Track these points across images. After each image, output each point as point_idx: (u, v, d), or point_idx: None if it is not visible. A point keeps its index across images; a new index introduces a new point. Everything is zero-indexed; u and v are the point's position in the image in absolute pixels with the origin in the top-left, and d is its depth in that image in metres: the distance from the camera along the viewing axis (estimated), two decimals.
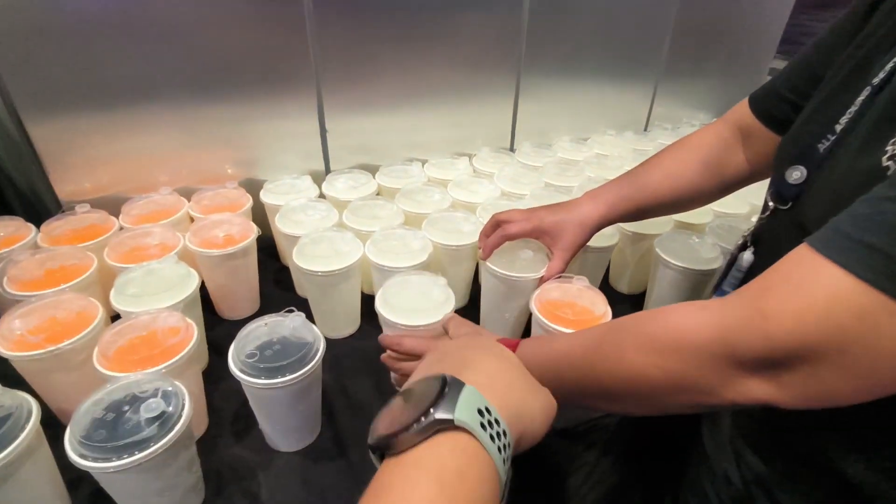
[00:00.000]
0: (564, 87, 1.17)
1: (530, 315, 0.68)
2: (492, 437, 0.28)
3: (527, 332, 0.80)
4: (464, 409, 0.28)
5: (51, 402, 0.59)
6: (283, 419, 0.59)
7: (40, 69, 0.73)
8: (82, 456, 0.44)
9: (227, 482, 0.58)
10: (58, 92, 0.75)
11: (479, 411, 0.29)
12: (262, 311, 0.84)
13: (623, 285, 0.93)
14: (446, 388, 0.30)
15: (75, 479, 0.54)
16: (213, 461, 0.59)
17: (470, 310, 0.85)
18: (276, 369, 0.53)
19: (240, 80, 0.87)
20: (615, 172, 1.05)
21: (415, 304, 0.65)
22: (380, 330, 0.80)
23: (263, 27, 0.84)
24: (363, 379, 0.73)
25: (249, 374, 0.54)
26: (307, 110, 0.93)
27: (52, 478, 0.51)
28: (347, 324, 0.80)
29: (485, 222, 0.82)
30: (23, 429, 0.46)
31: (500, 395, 0.32)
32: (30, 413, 0.47)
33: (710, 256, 0.79)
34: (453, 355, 0.38)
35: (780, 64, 1.63)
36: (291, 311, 0.58)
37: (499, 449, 0.29)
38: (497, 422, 0.30)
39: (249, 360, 0.54)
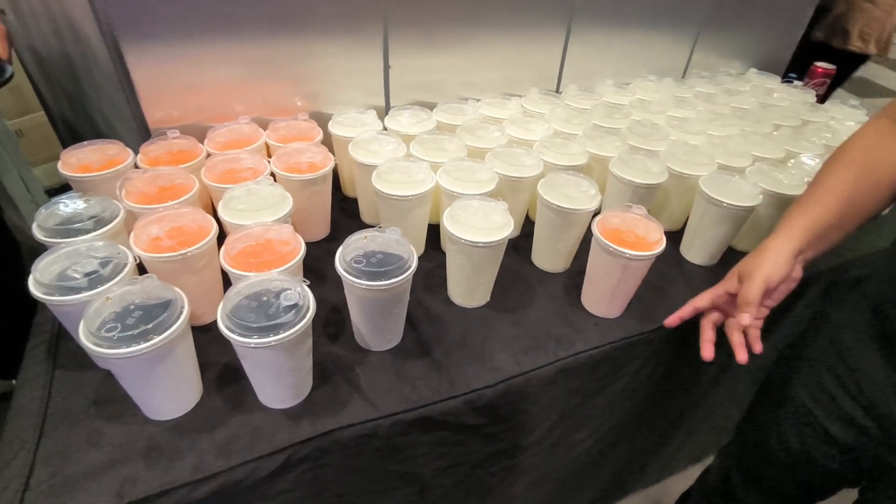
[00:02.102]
0: (611, 32, 1.19)
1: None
2: None
3: (576, 261, 0.88)
4: None
5: None
6: (380, 319, 0.68)
7: (140, 4, 0.77)
8: (234, 332, 0.52)
9: (330, 374, 0.67)
10: (154, 21, 0.80)
11: None
12: (332, 236, 0.92)
13: (662, 221, 0.98)
14: None
15: (206, 366, 0.64)
16: (315, 357, 0.68)
17: (522, 239, 0.92)
18: (380, 274, 0.61)
19: (312, 17, 0.90)
20: (658, 117, 1.11)
21: (478, 224, 0.72)
22: (442, 254, 0.88)
23: None
24: (434, 293, 0.81)
25: (354, 276, 0.61)
26: (373, 47, 0.97)
27: (194, 357, 0.60)
28: (416, 247, 0.87)
29: (542, 157, 0.89)
30: (180, 314, 0.54)
31: None
32: (183, 303, 0.56)
33: (751, 193, 0.85)
34: None
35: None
36: (383, 228, 0.65)
37: None
38: None
39: (356, 265, 0.62)
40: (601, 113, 1.08)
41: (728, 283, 0.71)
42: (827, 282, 0.99)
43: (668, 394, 1.00)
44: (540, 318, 0.79)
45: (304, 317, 0.55)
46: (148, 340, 0.50)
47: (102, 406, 0.60)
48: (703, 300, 0.74)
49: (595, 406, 0.87)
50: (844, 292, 0.81)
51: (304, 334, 0.56)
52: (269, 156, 0.91)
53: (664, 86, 1.26)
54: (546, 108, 1.10)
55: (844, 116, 1.23)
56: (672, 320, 0.76)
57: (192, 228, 0.66)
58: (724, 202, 0.84)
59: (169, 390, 0.58)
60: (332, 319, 0.75)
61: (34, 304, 0.61)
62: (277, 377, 0.59)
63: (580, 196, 0.80)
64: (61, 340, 0.68)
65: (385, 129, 0.97)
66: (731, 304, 0.71)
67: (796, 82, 1.38)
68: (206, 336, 0.66)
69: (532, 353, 0.73)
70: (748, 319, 0.65)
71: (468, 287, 0.78)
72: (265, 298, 0.56)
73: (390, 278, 0.61)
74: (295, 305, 0.55)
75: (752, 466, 0.88)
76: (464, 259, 0.74)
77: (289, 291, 0.55)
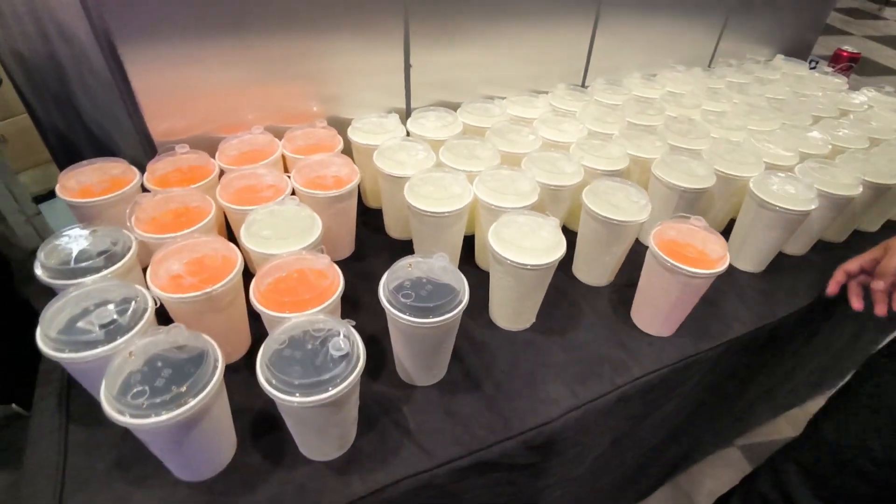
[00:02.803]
0: (638, 21, 1.12)
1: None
2: None
3: (621, 274, 0.82)
4: None
5: None
6: (428, 356, 0.62)
7: (137, 2, 0.69)
8: (278, 388, 0.46)
9: (375, 416, 0.61)
10: (153, 26, 0.71)
11: None
12: (357, 254, 0.85)
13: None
14: None
15: (236, 412, 0.57)
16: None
17: None
18: (430, 309, 0.55)
19: (327, 13, 0.82)
20: (693, 112, 1.05)
21: (526, 242, 0.65)
22: (478, 271, 0.82)
23: None
24: (475, 315, 0.75)
25: (400, 311, 0.55)
26: (393, 44, 0.89)
27: (228, 411, 0.54)
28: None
29: (581, 161, 0.83)
30: (214, 368, 0.48)
31: None
32: (216, 354, 0.49)
33: (807, 197, 0.79)
34: None
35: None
36: (436, 254, 0.59)
37: None
38: None
39: (404, 300, 0.55)
40: (633, 109, 1.02)
41: (876, 252, 0.76)
42: None
43: (710, 406, 0.95)
44: (590, 340, 0.73)
45: (354, 367, 0.49)
46: (182, 405, 0.44)
47: (126, 467, 0.54)
48: (853, 264, 0.78)
49: (645, 427, 0.82)
50: None
51: (354, 387, 0.49)
52: (286, 169, 0.84)
53: (693, 77, 1.20)
54: (575, 105, 1.03)
55: (881, 105, 1.17)
56: (832, 288, 0.79)
57: (214, 261, 0.59)
58: (777, 206, 0.79)
59: (203, 450, 0.51)
60: (370, 352, 0.68)
61: (30, 322, 0.53)
62: (323, 431, 0.53)
63: (629, 206, 0.74)
64: (73, 389, 0.61)
65: (408, 134, 0.90)
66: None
67: (826, 67, 1.32)
68: (233, 377, 0.60)
69: (587, 381, 0.68)
70: (881, 286, 0.72)
71: (515, 310, 0.72)
72: (310, 346, 0.49)
73: (442, 314, 0.55)
74: (346, 355, 0.48)
75: (822, 470, 0.84)
76: (511, 281, 0.68)
77: (336, 338, 0.49)
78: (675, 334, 0.75)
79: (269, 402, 0.51)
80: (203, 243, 0.61)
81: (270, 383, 0.47)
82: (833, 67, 1.42)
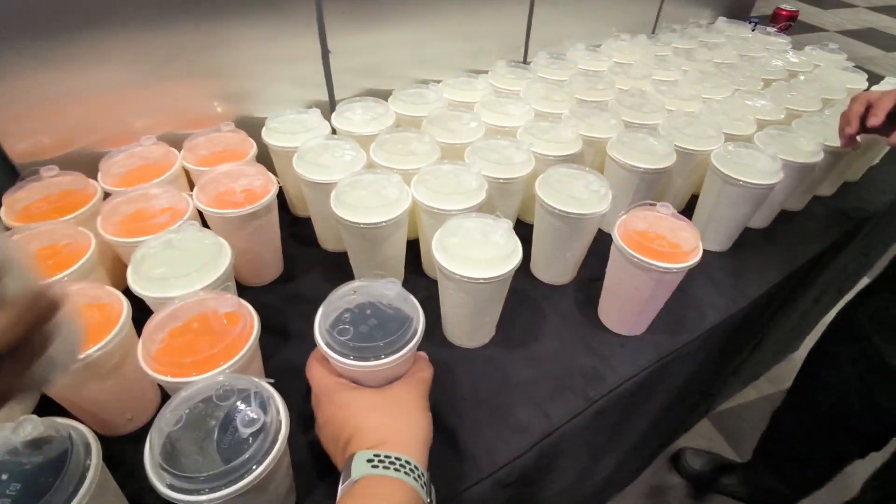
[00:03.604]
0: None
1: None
2: (386, 466, 0.38)
3: (584, 268, 0.75)
4: (357, 468, 0.38)
5: (84, 417, 0.49)
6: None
7: None
8: (178, 489, 0.35)
9: (319, 474, 0.51)
10: None
11: (370, 459, 0.38)
12: (286, 274, 0.74)
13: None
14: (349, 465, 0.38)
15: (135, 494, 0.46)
16: (293, 456, 0.52)
17: None
18: (376, 350, 0.44)
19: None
20: (643, 82, 0.98)
21: (477, 252, 0.56)
22: (427, 280, 0.73)
23: None
24: (427, 332, 0.65)
25: (341, 355, 0.44)
26: (306, 27, 0.77)
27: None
28: (394, 276, 0.71)
29: (531, 148, 0.74)
30: (84, 473, 0.36)
31: (387, 436, 0.41)
32: (87, 445, 0.38)
33: (772, 168, 0.74)
34: (338, 427, 0.43)
35: None
36: (381, 275, 0.48)
37: (396, 469, 0.38)
38: (387, 456, 0.39)
39: (341, 338, 0.44)
40: (581, 84, 0.94)
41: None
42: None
43: (688, 394, 0.91)
44: (558, 349, 0.65)
45: (275, 441, 0.38)
46: None
47: None
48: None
49: (622, 431, 0.76)
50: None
51: (280, 461, 0.39)
52: (191, 186, 0.71)
53: (639, 45, 1.13)
54: (519, 84, 0.94)
55: (828, 63, 1.14)
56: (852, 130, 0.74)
57: (92, 315, 0.47)
58: (742, 181, 0.73)
59: None
60: (305, 395, 0.58)
61: None
62: None
63: (589, 196, 0.66)
64: None
65: (334, 131, 0.78)
66: None
67: (769, 28, 1.28)
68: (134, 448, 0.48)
69: (560, 399, 0.60)
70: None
71: (471, 327, 0.63)
72: (212, 423, 0.39)
73: (390, 354, 0.45)
74: (261, 428, 0.38)
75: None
76: (464, 297, 0.58)
77: (246, 408, 0.39)
78: (647, 331, 0.69)
79: None
80: (78, 292, 0.48)
81: (168, 485, 0.36)
82: (774, 27, 1.39)
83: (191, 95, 0.75)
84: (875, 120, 0.69)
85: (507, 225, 0.58)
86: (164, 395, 0.54)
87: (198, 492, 0.35)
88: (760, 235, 0.87)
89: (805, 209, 0.95)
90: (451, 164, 0.69)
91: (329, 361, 0.44)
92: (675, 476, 1.41)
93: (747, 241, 0.84)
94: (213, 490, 0.35)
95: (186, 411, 0.39)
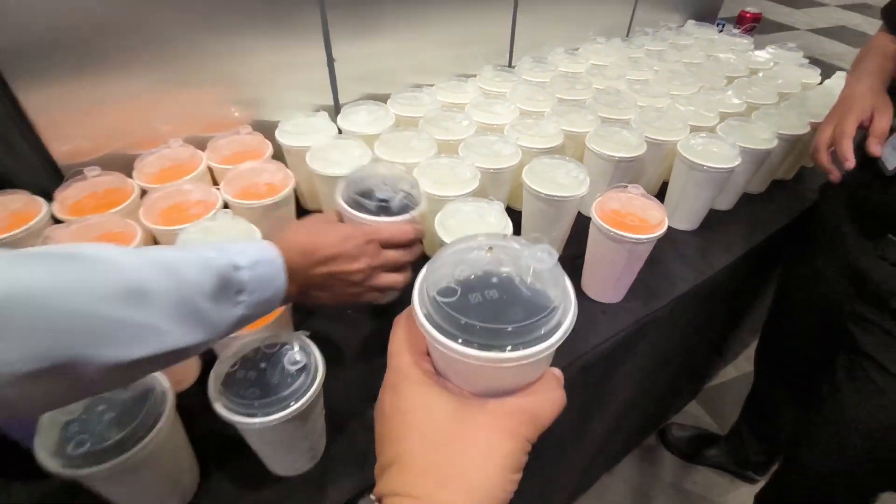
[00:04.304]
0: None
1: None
2: None
3: (567, 247, 0.84)
4: None
5: None
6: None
7: (11, 14, 0.62)
8: (236, 412, 0.44)
9: (344, 420, 0.59)
10: (37, 33, 0.64)
11: None
12: None
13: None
14: None
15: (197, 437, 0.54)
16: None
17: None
18: (486, 333, 0.28)
19: (238, 9, 0.78)
20: (618, 82, 1.08)
21: (473, 230, 0.65)
22: (426, 259, 0.81)
23: None
24: None
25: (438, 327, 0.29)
26: (313, 38, 0.86)
27: (186, 442, 0.51)
28: None
29: (518, 142, 0.83)
30: (163, 402, 0.45)
31: (435, 493, 0.27)
32: (164, 387, 0.46)
33: (731, 154, 0.84)
34: (384, 432, 0.30)
35: None
36: (538, 238, 0.32)
37: None
38: None
39: (447, 307, 0.28)
40: (561, 85, 1.03)
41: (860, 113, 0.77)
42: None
43: (666, 360, 1.00)
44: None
45: (314, 379, 0.47)
46: (129, 449, 0.41)
47: None
48: (851, 126, 0.77)
49: (607, 390, 0.85)
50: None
51: (317, 398, 0.48)
52: (215, 182, 0.79)
53: (614, 47, 1.23)
54: (505, 86, 1.03)
55: (787, 60, 1.25)
56: (825, 158, 0.80)
57: None
58: (705, 166, 0.82)
59: (162, 489, 0.48)
60: (330, 356, 0.67)
61: None
62: (292, 446, 0.51)
63: (569, 181, 0.75)
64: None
65: (340, 131, 0.87)
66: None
67: (733, 29, 1.39)
68: (186, 404, 0.56)
69: None
70: (877, 149, 0.74)
71: None
72: (263, 365, 0.47)
73: (517, 346, 0.27)
74: (304, 367, 0.47)
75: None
76: None
77: (291, 351, 0.47)
78: (625, 299, 0.78)
79: (228, 425, 0.48)
80: None
81: (228, 408, 0.44)
82: (739, 28, 1.50)
83: (211, 102, 0.83)
84: (849, 164, 0.75)
85: (499, 206, 0.67)
86: (205, 363, 0.63)
87: (252, 415, 0.44)
88: (726, 216, 0.97)
89: (766, 192, 1.05)
90: (448, 158, 0.78)
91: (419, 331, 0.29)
92: (664, 451, 1.50)
93: (714, 221, 0.94)
94: (265, 415, 0.44)
95: (240, 357, 0.48)
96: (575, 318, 0.29)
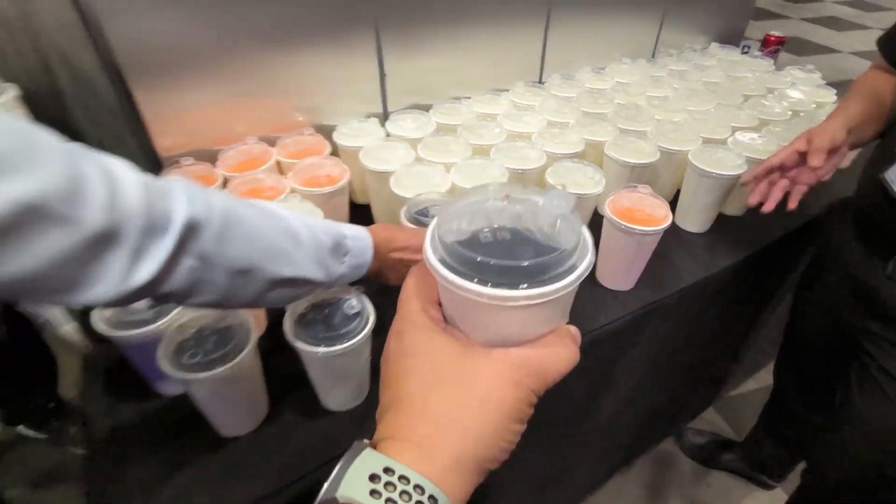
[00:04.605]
0: (586, 20, 1.25)
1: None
2: (389, 500, 0.24)
3: None
4: (352, 482, 0.25)
5: None
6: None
7: (139, 25, 0.78)
8: (304, 342, 0.56)
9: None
10: (157, 51, 0.80)
11: (374, 476, 0.25)
12: None
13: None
14: (341, 460, 0.26)
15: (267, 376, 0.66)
16: None
17: None
18: (498, 270, 0.28)
19: (304, 31, 0.92)
20: (639, 98, 1.18)
21: None
22: None
23: None
24: None
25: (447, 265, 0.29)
26: (367, 55, 1.00)
27: (261, 372, 0.63)
28: None
29: (543, 148, 0.94)
30: (249, 334, 0.57)
31: (433, 435, 0.27)
32: (250, 326, 0.58)
33: (736, 163, 0.92)
34: (385, 377, 0.31)
35: None
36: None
37: None
38: (404, 478, 0.25)
39: (461, 247, 0.28)
40: (586, 100, 1.14)
41: (798, 143, 0.83)
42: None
43: (675, 349, 1.07)
44: None
45: (366, 323, 0.59)
46: (228, 361, 0.53)
47: (177, 431, 0.63)
48: (777, 158, 0.84)
49: (617, 371, 0.94)
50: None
51: (367, 340, 0.59)
52: (282, 174, 0.93)
53: (638, 67, 1.33)
54: (534, 100, 1.15)
55: (802, 81, 1.33)
56: (748, 178, 0.87)
57: None
58: (713, 173, 0.91)
59: (244, 406, 0.61)
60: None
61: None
62: (343, 380, 0.62)
63: (587, 181, 0.86)
64: (122, 374, 0.69)
65: (388, 135, 1.00)
66: (796, 164, 0.85)
67: (756, 52, 1.47)
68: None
69: None
70: (819, 161, 0.79)
71: None
72: (327, 310, 0.59)
73: (532, 283, 0.27)
74: (358, 314, 0.58)
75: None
76: None
77: (349, 301, 0.59)
78: (635, 287, 0.87)
79: (293, 366, 0.61)
80: None
81: (299, 338, 0.56)
82: (763, 51, 1.57)
83: (280, 108, 0.98)
84: (793, 204, 0.84)
85: None
86: (272, 318, 0.75)
87: (317, 346, 0.56)
88: (735, 221, 1.05)
89: None
90: (481, 159, 0.90)
91: (432, 276, 0.29)
92: (680, 455, 1.55)
93: (723, 225, 1.02)
94: (327, 346, 0.56)
95: (311, 303, 0.60)
96: (591, 265, 0.29)
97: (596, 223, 0.88)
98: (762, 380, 1.78)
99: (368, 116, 1.02)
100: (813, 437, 1.12)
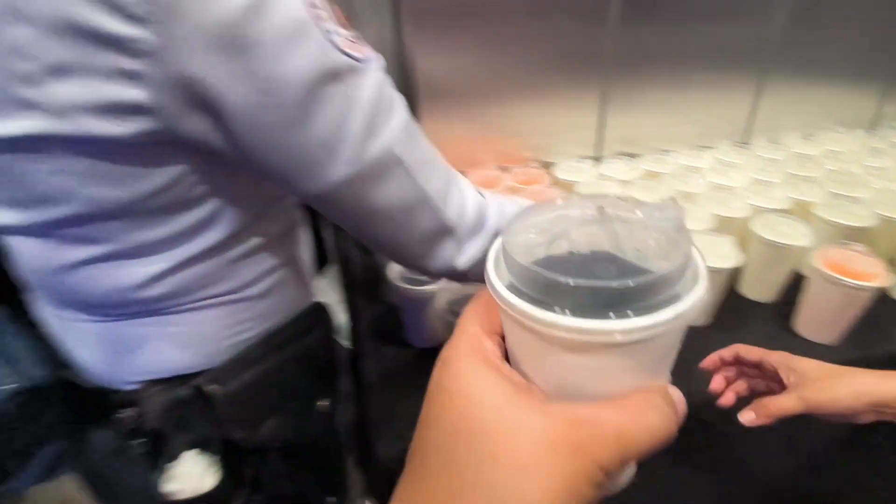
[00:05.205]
0: (800, 84, 1.29)
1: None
2: None
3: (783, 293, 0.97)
4: None
5: None
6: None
7: (438, 59, 1.06)
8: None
9: None
10: (439, 85, 1.08)
11: None
12: None
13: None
14: None
15: None
16: None
17: None
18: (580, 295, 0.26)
19: (538, 83, 1.14)
20: (854, 166, 1.17)
21: (710, 255, 0.85)
22: None
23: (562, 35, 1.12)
24: None
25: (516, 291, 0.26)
26: (590, 109, 1.19)
27: None
28: None
29: (748, 201, 1.01)
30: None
31: None
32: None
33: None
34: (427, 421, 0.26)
35: None
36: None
37: None
38: None
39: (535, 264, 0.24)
40: (793, 163, 1.18)
41: (792, 362, 0.62)
42: None
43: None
44: (751, 341, 0.89)
45: None
46: None
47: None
48: (753, 353, 0.64)
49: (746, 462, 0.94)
50: None
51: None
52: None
53: (854, 137, 1.32)
54: (739, 158, 1.22)
55: None
56: (709, 363, 0.68)
57: None
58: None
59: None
60: None
61: None
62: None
63: (791, 232, 0.91)
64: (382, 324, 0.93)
65: (601, 175, 1.17)
66: (768, 375, 0.64)
67: None
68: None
69: None
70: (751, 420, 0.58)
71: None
72: None
73: (620, 314, 0.21)
74: None
75: None
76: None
77: None
78: (836, 342, 0.89)
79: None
80: None
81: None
82: None
83: (512, 144, 1.21)
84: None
85: (731, 239, 0.88)
86: None
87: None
88: None
89: None
90: (686, 203, 1.01)
91: (495, 305, 0.24)
92: None
93: None
94: None
95: None
96: (704, 295, 0.22)
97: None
98: None
99: (583, 158, 1.20)
100: None
